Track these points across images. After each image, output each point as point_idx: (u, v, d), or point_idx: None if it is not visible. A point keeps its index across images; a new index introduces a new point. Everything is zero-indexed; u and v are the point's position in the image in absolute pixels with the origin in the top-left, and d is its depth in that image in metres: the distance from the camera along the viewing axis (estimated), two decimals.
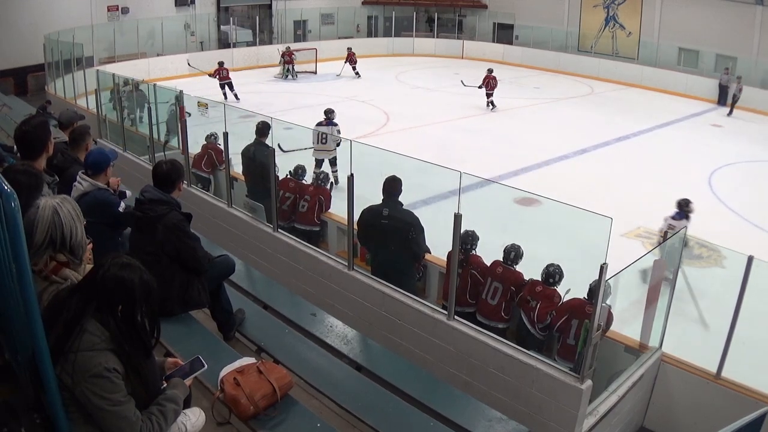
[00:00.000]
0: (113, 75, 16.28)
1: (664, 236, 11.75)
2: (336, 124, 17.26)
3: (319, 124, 17.25)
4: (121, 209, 6.31)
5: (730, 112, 30.85)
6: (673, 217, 12.30)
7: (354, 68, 37.23)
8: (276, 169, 9.91)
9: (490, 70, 29.15)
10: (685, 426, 7.74)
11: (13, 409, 3.18)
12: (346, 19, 47.04)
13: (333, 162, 16.67)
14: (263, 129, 11.23)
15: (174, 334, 5.58)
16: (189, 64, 30.41)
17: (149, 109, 13.39)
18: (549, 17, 42.97)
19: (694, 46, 36.18)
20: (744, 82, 31.86)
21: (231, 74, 29.43)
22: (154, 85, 15.23)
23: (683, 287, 8.08)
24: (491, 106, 28.79)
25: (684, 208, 12.45)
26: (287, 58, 35.89)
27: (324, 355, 6.22)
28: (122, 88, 16.44)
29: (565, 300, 8.13)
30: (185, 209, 5.99)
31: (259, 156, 10.97)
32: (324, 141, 16.55)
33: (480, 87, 28.93)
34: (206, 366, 4.08)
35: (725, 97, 32.72)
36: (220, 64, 29.63)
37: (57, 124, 9.11)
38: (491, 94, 28.86)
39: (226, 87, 28.70)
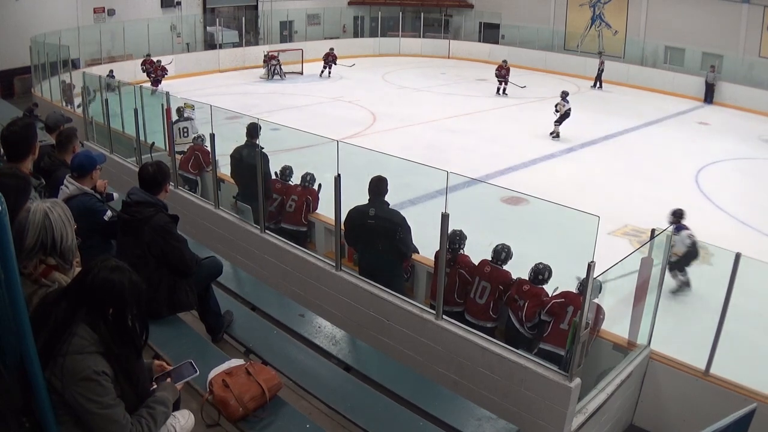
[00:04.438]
0: (99, 77, 16.25)
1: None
2: None
3: None
4: (106, 218, 6.25)
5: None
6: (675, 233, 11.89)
7: (331, 68, 37.50)
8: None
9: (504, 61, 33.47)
10: (674, 423, 7.76)
11: (1, 413, 3.16)
12: (332, 19, 47.04)
13: None
14: (253, 130, 11.20)
15: (162, 337, 5.56)
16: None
17: (135, 110, 13.35)
18: (535, 16, 43.10)
19: (680, 45, 36.36)
20: (730, 80, 32.33)
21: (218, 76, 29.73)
22: (140, 87, 15.19)
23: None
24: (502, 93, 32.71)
25: (680, 219, 12.47)
26: (272, 61, 35.85)
27: (313, 356, 6.21)
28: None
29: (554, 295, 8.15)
30: (172, 211, 5.97)
31: (249, 158, 10.94)
32: None
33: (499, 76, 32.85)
34: (198, 371, 4.07)
35: (712, 95, 32.99)
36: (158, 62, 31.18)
37: (44, 127, 9.08)
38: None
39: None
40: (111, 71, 29.32)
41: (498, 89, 32.62)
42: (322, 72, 36.96)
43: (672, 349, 8.00)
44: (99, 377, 3.19)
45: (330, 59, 36.95)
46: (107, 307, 3.30)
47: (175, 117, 15.41)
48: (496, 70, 32.92)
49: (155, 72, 30.84)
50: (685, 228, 12.38)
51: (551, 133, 23.91)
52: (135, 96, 14.59)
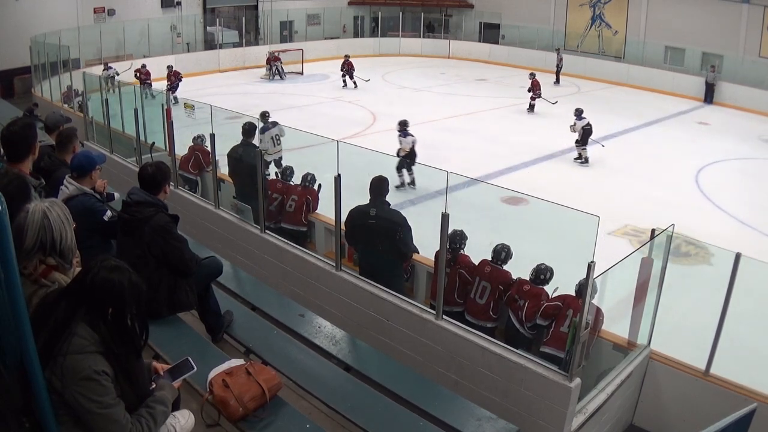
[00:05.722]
0: (99, 77, 16.27)
1: (398, 153, 17.19)
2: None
3: None
4: (106, 218, 6.25)
5: None
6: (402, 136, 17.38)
7: (352, 77, 34.10)
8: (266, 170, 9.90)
9: (533, 75, 29.61)
10: (674, 423, 7.76)
11: (1, 413, 3.16)
12: (332, 19, 47.06)
13: None
14: (250, 130, 11.20)
15: (162, 337, 5.56)
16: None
17: (135, 110, 13.35)
18: (535, 16, 43.10)
19: (681, 45, 36.37)
20: (730, 80, 32.45)
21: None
22: (141, 86, 15.18)
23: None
24: (529, 108, 29.21)
25: (405, 127, 17.46)
26: (275, 62, 35.79)
27: (313, 356, 6.20)
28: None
29: (552, 297, 8.16)
30: (172, 211, 5.97)
31: (246, 157, 10.95)
32: None
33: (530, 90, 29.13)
34: (195, 368, 4.07)
35: (712, 95, 33.03)
36: (169, 68, 30.29)
37: (43, 127, 9.07)
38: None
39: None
40: (106, 63, 29.21)
41: (532, 107, 29.16)
42: (345, 84, 34.00)
43: (672, 349, 8.01)
44: (99, 377, 3.20)
45: (347, 68, 33.98)
46: (107, 307, 3.30)
47: (259, 124, 15.09)
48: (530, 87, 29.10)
49: (169, 79, 30.35)
50: (411, 135, 17.38)
51: (583, 160, 21.40)
52: (135, 96, 14.60)
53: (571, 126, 21.56)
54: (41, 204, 3.64)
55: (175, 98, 26.11)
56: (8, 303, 2.89)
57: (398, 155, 17.15)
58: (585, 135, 21.27)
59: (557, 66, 37.40)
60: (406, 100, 30.84)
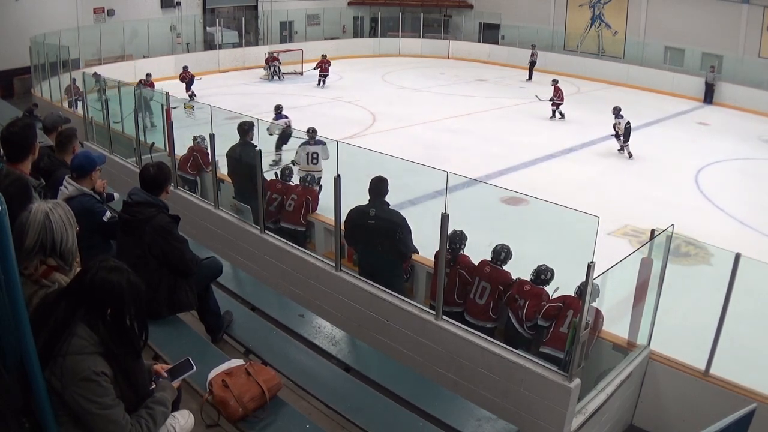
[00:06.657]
0: (102, 78, 16.25)
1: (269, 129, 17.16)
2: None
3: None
4: (105, 218, 6.24)
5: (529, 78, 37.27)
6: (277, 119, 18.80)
7: (322, 77, 34.34)
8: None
9: (555, 81, 28.63)
10: (674, 423, 7.76)
11: (1, 413, 3.16)
12: (332, 19, 47.01)
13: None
14: (247, 129, 11.19)
15: (162, 337, 5.56)
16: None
17: (135, 110, 13.34)
18: (535, 17, 43.09)
19: (680, 45, 36.36)
20: (730, 80, 32.49)
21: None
22: (141, 87, 15.15)
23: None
24: (560, 116, 27.92)
25: (280, 111, 19.35)
26: (273, 62, 35.74)
27: (312, 357, 6.20)
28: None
29: (553, 297, 8.15)
30: (172, 211, 5.96)
31: (245, 157, 10.94)
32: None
33: (551, 99, 27.79)
34: (195, 368, 4.07)
35: (711, 95, 33.03)
36: (185, 68, 30.09)
37: (41, 128, 9.05)
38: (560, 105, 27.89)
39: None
40: (95, 73, 29.01)
41: (554, 112, 27.89)
42: (321, 83, 34.15)
43: (672, 349, 8.00)
44: (98, 378, 3.20)
45: (323, 67, 34.34)
46: (106, 307, 3.30)
47: (301, 138, 14.84)
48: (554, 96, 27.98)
49: (184, 79, 29.80)
50: (286, 117, 19.26)
51: (629, 156, 22.09)
52: (135, 96, 14.58)
53: (615, 125, 22.15)
54: (44, 205, 3.64)
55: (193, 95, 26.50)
56: (8, 303, 2.89)
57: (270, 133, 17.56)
58: (627, 132, 22.01)
59: (530, 62, 38.31)
60: (406, 100, 30.84)
